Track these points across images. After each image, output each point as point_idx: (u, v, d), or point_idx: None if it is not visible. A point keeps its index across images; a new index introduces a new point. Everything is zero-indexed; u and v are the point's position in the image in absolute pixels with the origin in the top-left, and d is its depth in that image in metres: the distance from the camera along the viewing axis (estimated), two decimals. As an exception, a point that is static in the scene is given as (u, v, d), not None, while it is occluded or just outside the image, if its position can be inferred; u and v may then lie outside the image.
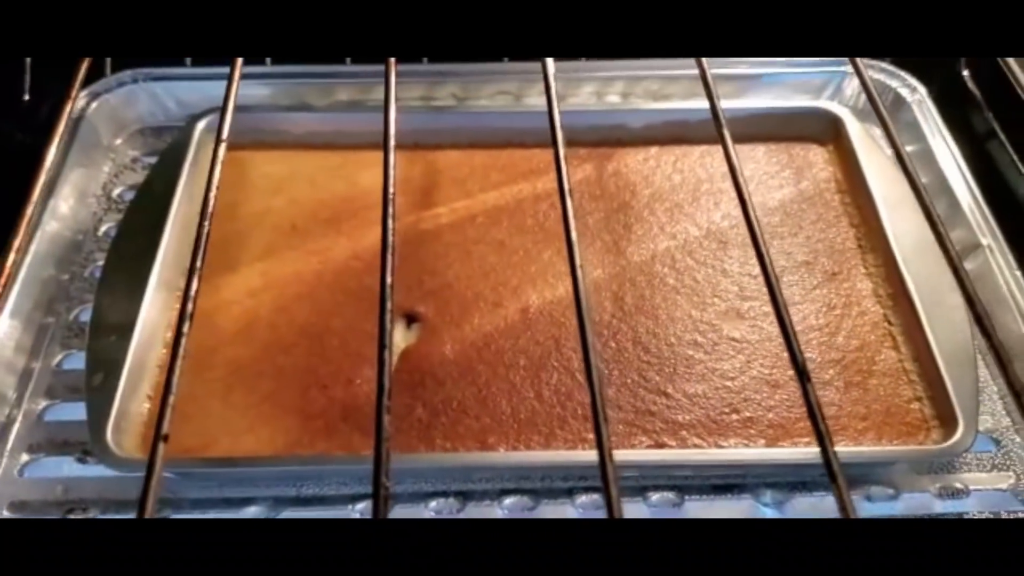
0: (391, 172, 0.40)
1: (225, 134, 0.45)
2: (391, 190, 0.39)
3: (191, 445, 0.54)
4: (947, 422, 0.54)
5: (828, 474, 0.33)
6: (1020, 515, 0.56)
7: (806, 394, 0.35)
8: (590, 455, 0.53)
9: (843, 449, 0.54)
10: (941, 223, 0.43)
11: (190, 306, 0.37)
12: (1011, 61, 0.87)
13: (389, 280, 0.36)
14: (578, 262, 0.38)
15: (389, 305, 0.35)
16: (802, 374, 0.36)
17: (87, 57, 0.56)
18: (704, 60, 0.54)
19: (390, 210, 0.38)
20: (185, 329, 0.36)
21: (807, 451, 0.53)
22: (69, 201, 0.71)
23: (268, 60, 0.78)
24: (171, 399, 0.35)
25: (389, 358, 0.35)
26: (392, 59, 0.49)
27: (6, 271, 0.42)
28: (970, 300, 0.39)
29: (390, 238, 0.37)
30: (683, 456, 0.53)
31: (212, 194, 0.41)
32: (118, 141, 0.76)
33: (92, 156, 0.73)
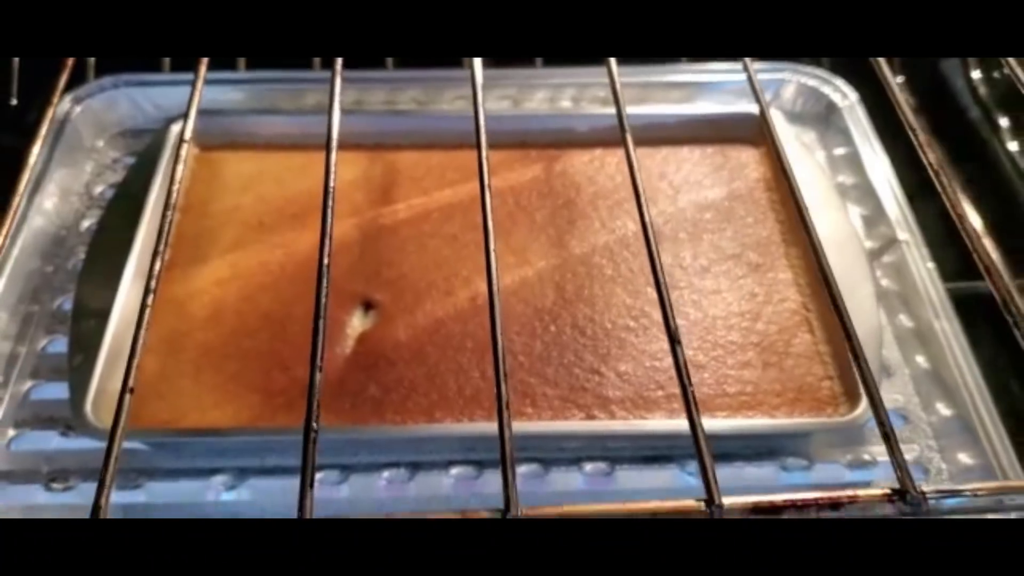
0: (332, 168, 0.45)
1: (188, 134, 0.50)
2: (331, 180, 0.44)
3: (164, 419, 0.59)
4: (854, 398, 0.60)
5: (695, 444, 0.38)
6: (921, 486, 0.61)
7: (675, 356, 0.40)
8: (526, 426, 0.59)
9: (758, 421, 0.60)
10: (810, 221, 0.48)
11: (154, 283, 0.42)
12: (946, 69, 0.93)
13: (326, 261, 0.41)
14: (492, 246, 0.43)
15: (325, 282, 0.40)
16: (673, 340, 0.41)
17: (69, 57, 0.61)
18: (616, 70, 0.58)
19: (331, 185, 0.43)
20: (149, 301, 0.41)
21: (722, 423, 0.59)
22: (53, 199, 0.76)
23: (241, 66, 0.83)
24: (135, 360, 0.39)
25: (324, 327, 0.40)
26: (339, 59, 0.54)
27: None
28: (826, 281, 0.44)
29: (329, 216, 0.42)
30: (609, 427, 0.59)
31: (175, 187, 0.46)
32: (100, 143, 0.81)
33: (75, 157, 0.79)
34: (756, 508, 0.37)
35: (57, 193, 0.76)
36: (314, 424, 0.37)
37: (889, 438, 0.39)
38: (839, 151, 0.81)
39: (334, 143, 0.47)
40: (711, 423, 0.59)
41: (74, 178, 0.78)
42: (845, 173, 0.80)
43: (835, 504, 0.37)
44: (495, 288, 0.43)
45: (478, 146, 0.50)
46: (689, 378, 0.40)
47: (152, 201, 0.69)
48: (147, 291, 0.42)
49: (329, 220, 0.43)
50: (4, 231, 0.49)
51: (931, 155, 0.48)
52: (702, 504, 0.37)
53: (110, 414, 0.58)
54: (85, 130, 0.80)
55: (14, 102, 0.82)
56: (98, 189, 0.78)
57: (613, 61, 0.58)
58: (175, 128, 0.73)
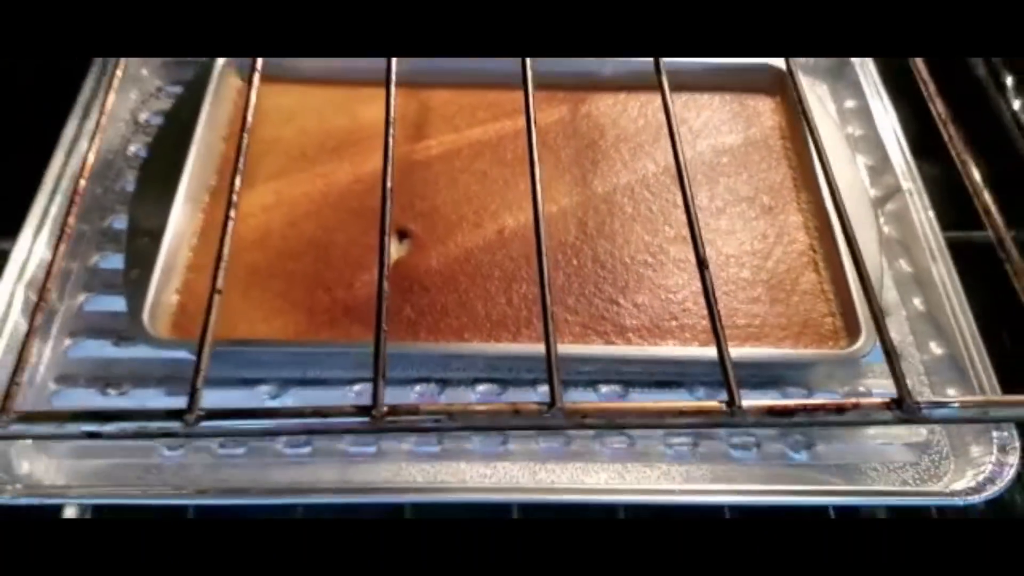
0: (392, 98, 0.49)
1: (259, 64, 0.54)
2: (392, 105, 0.48)
3: (215, 332, 0.64)
4: (854, 333, 0.64)
5: (718, 353, 0.43)
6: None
7: (704, 280, 0.45)
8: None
9: (764, 351, 0.64)
10: (829, 165, 0.52)
11: (235, 197, 0.47)
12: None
13: (389, 184, 0.45)
14: (539, 185, 0.48)
15: (388, 203, 0.45)
16: (701, 263, 0.46)
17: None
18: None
19: (391, 111, 0.47)
20: (232, 213, 0.46)
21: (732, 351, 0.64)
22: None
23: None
24: (223, 264, 0.44)
25: (387, 248, 0.44)
26: None
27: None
28: (842, 223, 0.49)
29: (390, 141, 0.47)
30: (625, 352, 0.64)
31: (249, 112, 0.50)
32: (144, 71, 0.84)
33: (122, 84, 0.82)
34: (771, 411, 0.42)
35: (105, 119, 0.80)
36: (384, 327, 0.42)
37: (890, 355, 0.44)
38: (850, 104, 0.85)
39: (394, 72, 0.51)
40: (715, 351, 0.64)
41: (120, 105, 0.82)
42: (854, 124, 0.83)
43: (840, 408, 0.42)
44: (541, 217, 0.47)
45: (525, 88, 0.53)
46: (715, 297, 0.45)
47: (199, 130, 0.73)
48: (229, 204, 0.46)
49: (391, 144, 0.47)
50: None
51: (939, 105, 0.52)
52: (723, 405, 0.42)
53: (164, 326, 0.64)
54: (131, 59, 0.83)
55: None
56: (143, 116, 0.82)
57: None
58: (220, 60, 0.77)
